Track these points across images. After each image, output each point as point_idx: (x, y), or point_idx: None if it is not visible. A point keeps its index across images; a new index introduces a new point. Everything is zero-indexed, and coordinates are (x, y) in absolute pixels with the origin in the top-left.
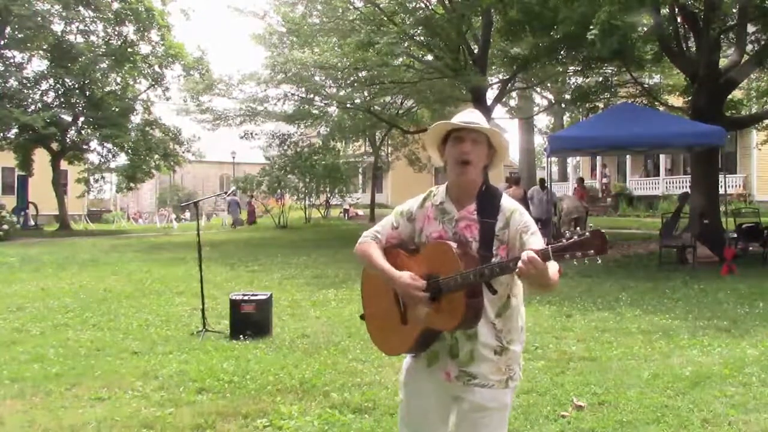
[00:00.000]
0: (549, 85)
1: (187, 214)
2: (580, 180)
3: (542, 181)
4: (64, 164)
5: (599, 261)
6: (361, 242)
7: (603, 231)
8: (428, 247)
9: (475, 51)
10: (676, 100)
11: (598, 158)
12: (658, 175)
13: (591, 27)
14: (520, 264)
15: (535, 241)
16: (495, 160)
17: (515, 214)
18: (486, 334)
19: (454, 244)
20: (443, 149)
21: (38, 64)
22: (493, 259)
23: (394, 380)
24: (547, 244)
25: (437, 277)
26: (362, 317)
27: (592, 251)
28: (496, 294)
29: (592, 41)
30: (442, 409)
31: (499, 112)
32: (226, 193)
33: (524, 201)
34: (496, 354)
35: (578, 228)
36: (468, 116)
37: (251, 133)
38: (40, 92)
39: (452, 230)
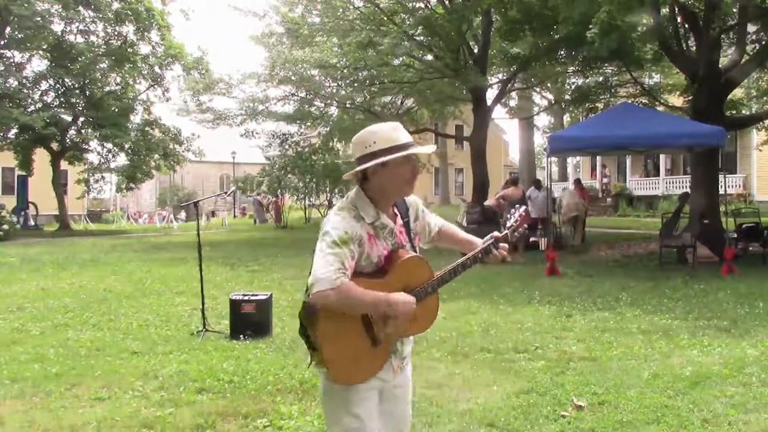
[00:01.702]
0: (549, 85)
1: (183, 214)
2: (577, 181)
3: (537, 181)
4: (64, 164)
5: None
6: (336, 285)
7: (528, 211)
8: (398, 264)
9: (475, 51)
10: (676, 100)
11: (598, 158)
12: (658, 175)
13: (590, 26)
14: (503, 253)
15: (429, 212)
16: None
17: (416, 201)
18: None
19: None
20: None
21: (38, 64)
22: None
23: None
24: (548, 241)
25: (411, 290)
26: (318, 364)
27: (525, 226)
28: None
29: (591, 40)
30: (378, 409)
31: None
32: (226, 193)
33: (523, 201)
34: None
35: (555, 227)
36: (403, 135)
37: (252, 132)
38: (40, 92)
39: (392, 242)
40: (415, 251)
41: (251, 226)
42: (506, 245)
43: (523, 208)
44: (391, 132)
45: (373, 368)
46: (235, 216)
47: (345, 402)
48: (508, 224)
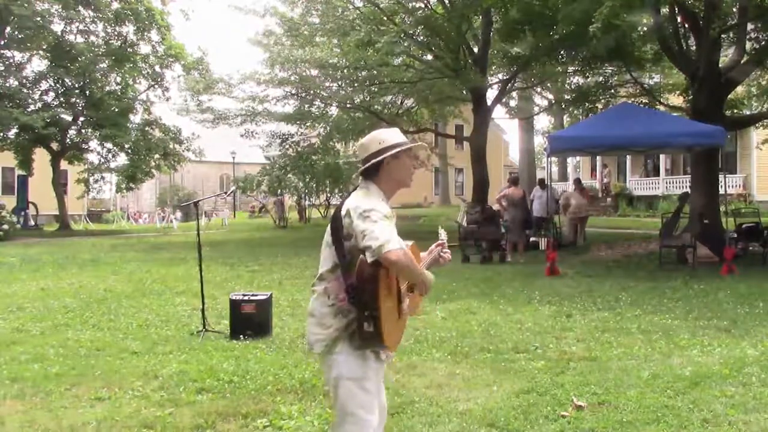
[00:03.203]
0: (549, 85)
1: (179, 214)
2: (578, 181)
3: (542, 180)
4: (64, 164)
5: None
6: (399, 251)
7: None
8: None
9: (475, 51)
10: (677, 100)
11: (598, 158)
12: (658, 175)
13: (593, 20)
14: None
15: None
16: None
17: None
18: None
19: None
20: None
21: (38, 64)
22: None
23: (393, 380)
24: (548, 241)
25: None
26: (372, 316)
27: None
28: None
29: (592, 35)
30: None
31: (499, 112)
32: (225, 192)
33: (523, 201)
34: None
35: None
36: (404, 137)
37: (252, 133)
38: (40, 92)
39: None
40: None
41: (251, 226)
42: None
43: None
44: (396, 134)
45: (397, 339)
46: (236, 215)
47: (359, 378)
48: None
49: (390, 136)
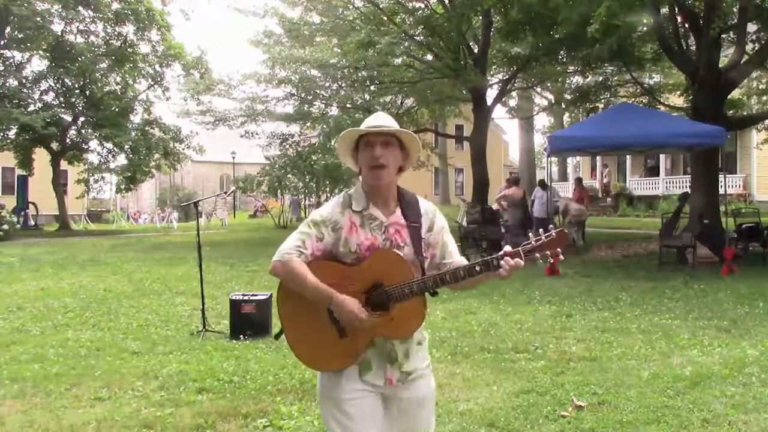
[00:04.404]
0: (549, 85)
1: (175, 214)
2: (578, 180)
3: (542, 181)
4: (64, 164)
5: (563, 258)
6: (284, 260)
7: (566, 232)
8: (373, 256)
9: (475, 51)
10: (677, 100)
11: (598, 158)
12: (658, 175)
13: (591, 21)
14: (504, 269)
15: (450, 240)
16: (408, 161)
17: (436, 215)
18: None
19: (401, 253)
20: (356, 156)
21: (38, 64)
22: (426, 262)
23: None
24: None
25: (382, 287)
26: (277, 336)
27: (559, 250)
28: (436, 295)
29: (592, 36)
30: (384, 421)
31: (499, 112)
32: (225, 192)
33: (523, 201)
34: (420, 344)
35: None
36: (375, 120)
37: (252, 133)
38: (39, 92)
39: (382, 237)
40: (421, 261)
41: (251, 226)
42: (512, 263)
43: (559, 229)
44: (364, 121)
45: (343, 361)
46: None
47: (335, 398)
48: (529, 243)
49: (357, 126)
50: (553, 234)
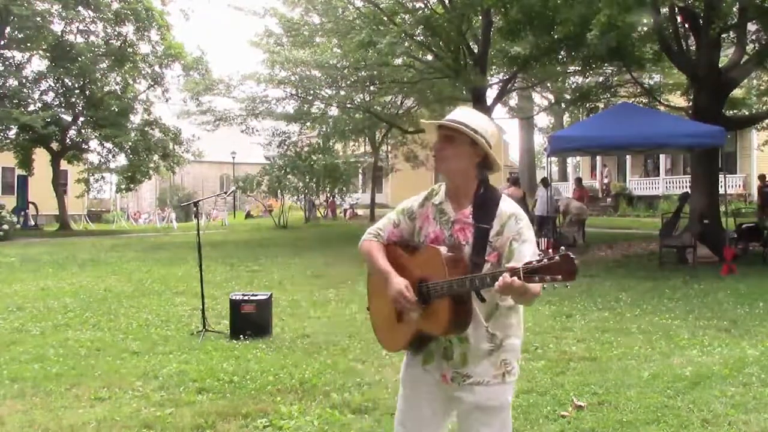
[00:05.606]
0: (549, 85)
1: (173, 214)
2: (578, 180)
3: (544, 179)
4: (64, 164)
5: (568, 286)
6: (364, 240)
7: (573, 257)
8: (422, 250)
9: (475, 51)
10: (677, 100)
11: (598, 158)
12: (658, 175)
13: (590, 28)
14: (497, 286)
15: (524, 250)
16: (489, 159)
17: (511, 219)
18: (478, 337)
19: (444, 249)
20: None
21: (38, 64)
22: (486, 266)
23: (394, 380)
24: (548, 242)
25: (427, 282)
26: (368, 309)
27: (560, 276)
28: (484, 302)
29: (591, 41)
30: (437, 408)
31: (499, 112)
32: (225, 192)
33: (523, 201)
34: (490, 353)
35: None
36: (453, 114)
37: (252, 129)
38: (39, 92)
39: (448, 232)
40: (480, 264)
41: (251, 226)
42: (504, 282)
43: (566, 254)
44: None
45: (399, 343)
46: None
47: (402, 378)
48: (534, 264)
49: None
50: (557, 258)
